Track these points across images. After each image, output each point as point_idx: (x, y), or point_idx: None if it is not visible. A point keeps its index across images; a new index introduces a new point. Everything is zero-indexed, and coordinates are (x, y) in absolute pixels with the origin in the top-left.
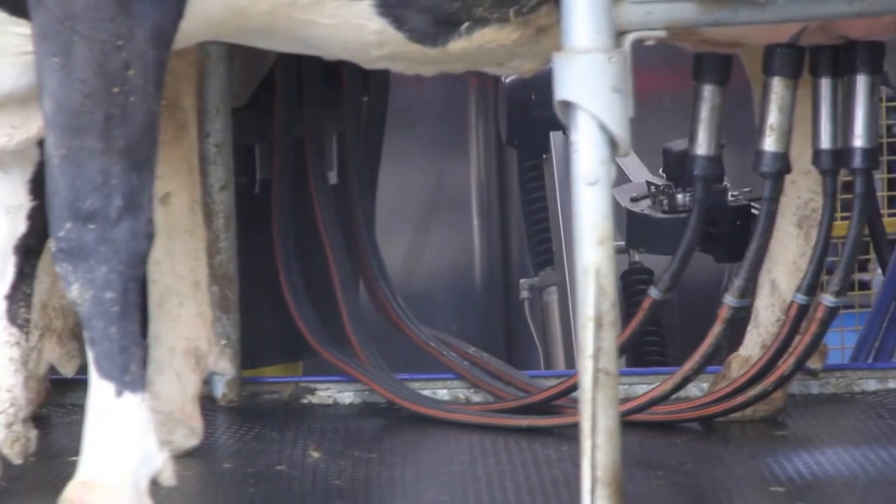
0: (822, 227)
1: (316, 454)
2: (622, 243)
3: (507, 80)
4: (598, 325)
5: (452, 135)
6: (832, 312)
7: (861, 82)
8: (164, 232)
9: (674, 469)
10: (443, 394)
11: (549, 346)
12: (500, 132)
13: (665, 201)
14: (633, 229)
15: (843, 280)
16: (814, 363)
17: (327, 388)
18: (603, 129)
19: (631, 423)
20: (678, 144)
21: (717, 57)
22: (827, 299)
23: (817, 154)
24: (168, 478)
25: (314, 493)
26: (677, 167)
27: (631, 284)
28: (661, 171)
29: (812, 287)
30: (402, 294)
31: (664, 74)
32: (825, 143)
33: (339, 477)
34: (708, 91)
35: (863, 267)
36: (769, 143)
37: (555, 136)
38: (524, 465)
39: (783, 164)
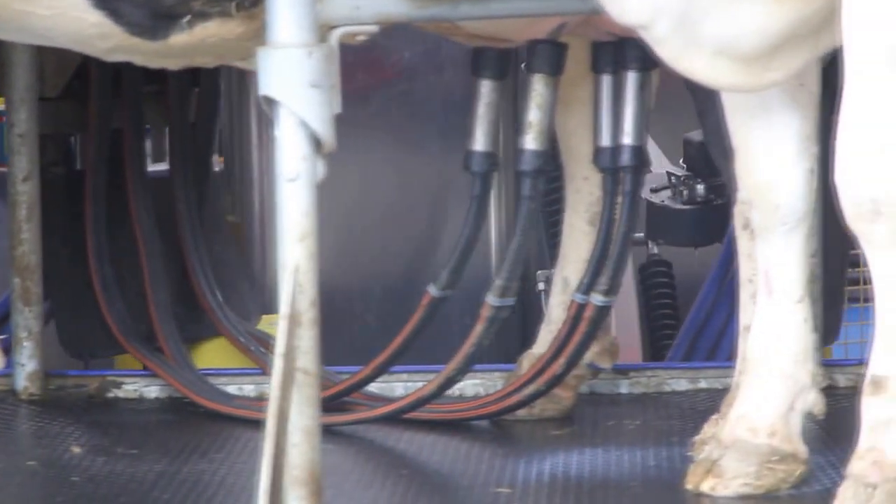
0: (602, 226)
1: (76, 450)
2: (641, 235)
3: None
4: (296, 322)
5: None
6: (602, 312)
7: (631, 79)
8: None
9: (417, 468)
10: (249, 390)
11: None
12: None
13: (685, 192)
14: (652, 220)
15: (613, 279)
16: (603, 362)
17: (134, 383)
18: (303, 125)
19: (410, 421)
20: (699, 135)
21: (494, 52)
22: (596, 298)
23: (597, 151)
24: None
25: (46, 490)
26: (698, 158)
27: (649, 277)
28: (681, 161)
29: (591, 286)
30: (416, 283)
31: None
32: (605, 140)
33: (82, 474)
34: (484, 86)
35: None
36: (528, 141)
37: None
38: None
39: (543, 161)
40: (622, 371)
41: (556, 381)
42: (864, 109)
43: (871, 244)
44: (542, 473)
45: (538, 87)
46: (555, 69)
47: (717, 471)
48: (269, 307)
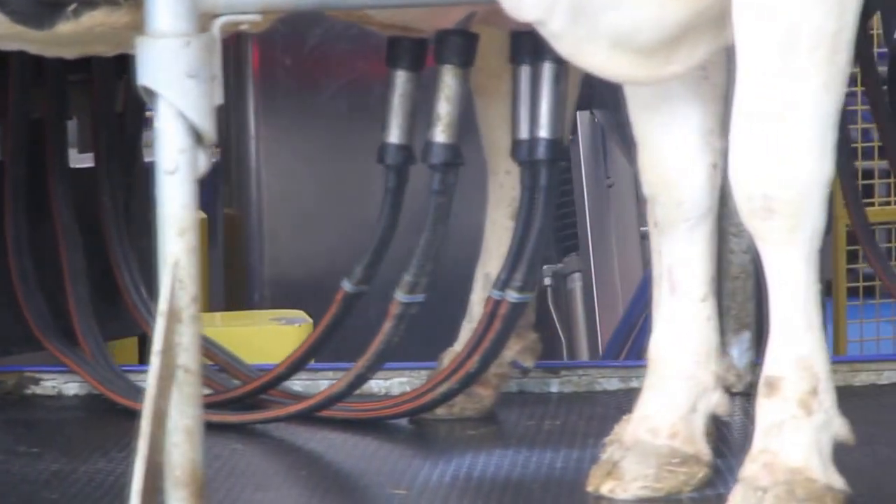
0: (520, 221)
1: None
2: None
3: None
4: (176, 319)
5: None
6: (516, 309)
7: (547, 70)
8: None
9: (318, 468)
10: None
11: (572, 334)
12: None
13: None
14: None
15: (527, 275)
16: (525, 360)
17: (53, 379)
18: (182, 117)
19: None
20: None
21: (409, 42)
22: (511, 295)
23: (514, 145)
24: None
25: None
26: None
27: None
28: None
29: (507, 282)
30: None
31: None
32: (522, 133)
33: None
34: (398, 77)
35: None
36: (437, 134)
37: (581, 116)
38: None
39: (452, 155)
40: (553, 369)
41: (471, 379)
42: (756, 104)
43: (765, 241)
44: (443, 474)
45: (446, 79)
46: (464, 60)
47: (617, 473)
48: (267, 301)
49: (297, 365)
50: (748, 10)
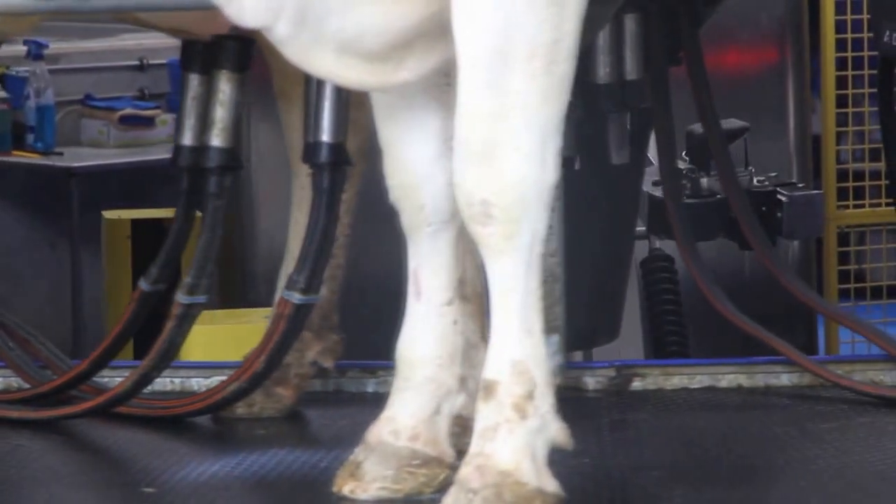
0: (311, 224)
1: None
2: (643, 229)
3: None
4: None
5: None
6: (300, 310)
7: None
8: None
9: (79, 468)
10: None
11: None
12: None
13: (688, 185)
14: (654, 214)
15: (310, 277)
16: (325, 360)
17: None
18: None
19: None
20: (701, 128)
21: (201, 46)
22: (294, 296)
23: (309, 147)
24: None
25: None
26: (701, 150)
27: (651, 272)
28: (684, 154)
29: (293, 283)
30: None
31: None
32: (309, 136)
33: None
34: (193, 80)
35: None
36: (212, 139)
37: None
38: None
39: (228, 158)
40: (370, 369)
41: (259, 378)
42: (474, 111)
43: (485, 247)
44: (202, 473)
45: (220, 85)
46: (238, 66)
47: (358, 473)
48: (262, 298)
49: (98, 362)
50: (464, 18)
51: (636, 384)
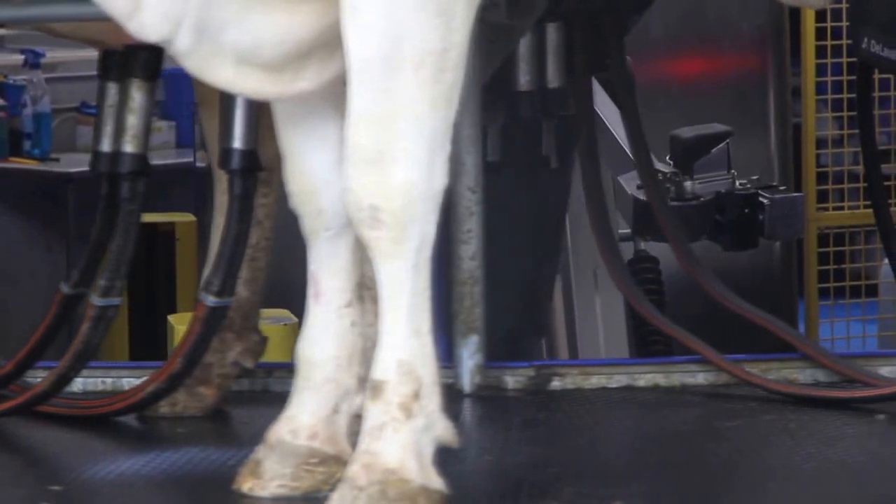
0: (225, 229)
1: None
2: (628, 231)
3: None
4: None
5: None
6: (214, 312)
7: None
8: None
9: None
10: None
11: (552, 335)
12: None
13: (672, 189)
14: (639, 217)
15: (224, 280)
16: (246, 361)
17: None
18: None
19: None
20: (686, 132)
21: (119, 55)
22: (208, 299)
23: (223, 153)
24: None
25: None
26: (684, 155)
27: (636, 273)
28: (667, 158)
29: (209, 286)
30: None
31: (671, 63)
32: (224, 142)
33: None
34: (108, 88)
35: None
36: (125, 146)
37: None
38: None
39: (140, 165)
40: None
41: (177, 379)
42: (363, 118)
43: (374, 251)
44: (112, 471)
45: (132, 92)
46: (149, 74)
47: (258, 471)
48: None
49: (23, 364)
50: (354, 25)
51: (555, 384)
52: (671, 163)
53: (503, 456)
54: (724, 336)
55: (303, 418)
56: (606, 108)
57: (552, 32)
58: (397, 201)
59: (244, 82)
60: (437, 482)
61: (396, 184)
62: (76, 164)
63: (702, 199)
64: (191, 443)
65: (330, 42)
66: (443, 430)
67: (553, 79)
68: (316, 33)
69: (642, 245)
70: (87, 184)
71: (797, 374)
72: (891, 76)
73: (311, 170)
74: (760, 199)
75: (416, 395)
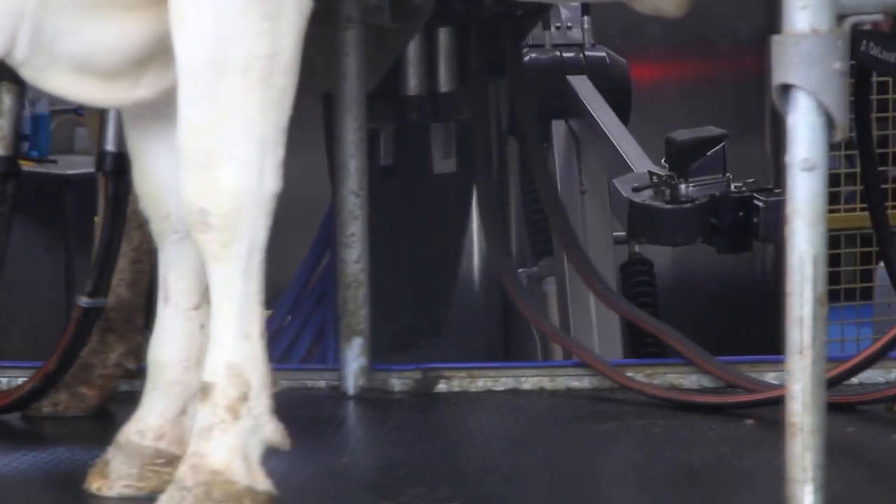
0: (101, 231)
1: None
2: (622, 234)
3: None
4: None
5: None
6: (87, 313)
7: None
8: None
9: None
10: None
11: (547, 337)
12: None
13: (667, 191)
14: (634, 220)
15: (97, 281)
16: (128, 362)
17: None
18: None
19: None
20: (681, 134)
21: None
22: (82, 300)
23: (97, 156)
24: None
25: None
26: (680, 157)
27: (631, 276)
28: (663, 161)
29: (83, 287)
30: (402, 279)
31: (667, 65)
32: (101, 145)
33: None
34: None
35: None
36: None
37: (556, 125)
38: None
39: (8, 166)
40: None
41: (52, 378)
42: (192, 122)
43: (204, 254)
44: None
45: (1, 96)
46: (17, 77)
47: (105, 471)
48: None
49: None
50: (181, 29)
51: (441, 386)
52: (666, 165)
53: (360, 458)
54: (717, 338)
55: (150, 419)
56: (602, 112)
57: (443, 37)
58: (226, 205)
59: (81, 90)
60: (263, 483)
61: (225, 188)
62: (74, 165)
63: (697, 201)
64: (62, 443)
65: (168, 49)
66: (271, 431)
67: (444, 83)
68: (153, 40)
69: (636, 248)
70: (83, 185)
71: (682, 380)
72: (889, 79)
73: (157, 174)
74: (755, 201)
75: (244, 398)
